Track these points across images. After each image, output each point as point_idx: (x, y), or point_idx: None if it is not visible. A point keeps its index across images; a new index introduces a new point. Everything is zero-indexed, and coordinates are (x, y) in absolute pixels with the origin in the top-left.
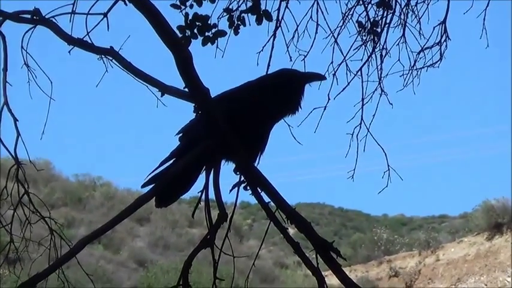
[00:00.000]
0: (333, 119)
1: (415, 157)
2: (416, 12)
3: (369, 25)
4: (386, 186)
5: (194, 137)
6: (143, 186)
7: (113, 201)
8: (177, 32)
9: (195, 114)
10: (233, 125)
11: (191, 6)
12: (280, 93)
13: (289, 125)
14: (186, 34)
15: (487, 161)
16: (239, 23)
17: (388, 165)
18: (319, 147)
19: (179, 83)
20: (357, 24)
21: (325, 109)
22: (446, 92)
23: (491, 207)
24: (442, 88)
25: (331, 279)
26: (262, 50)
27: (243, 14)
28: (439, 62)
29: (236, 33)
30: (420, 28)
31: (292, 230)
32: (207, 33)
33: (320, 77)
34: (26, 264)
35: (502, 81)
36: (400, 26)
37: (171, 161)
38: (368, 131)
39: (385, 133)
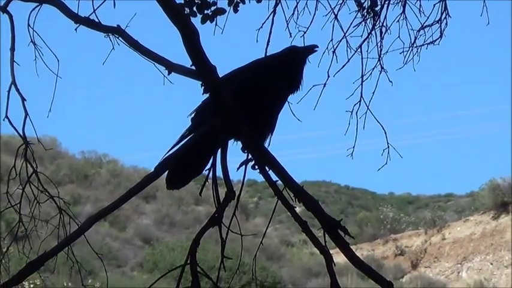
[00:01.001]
0: (335, 95)
1: (422, 135)
2: None
3: (368, 3)
4: (386, 163)
5: (205, 117)
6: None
7: (119, 179)
8: None
9: (203, 93)
10: (241, 104)
11: None
12: (290, 71)
13: (288, 102)
14: (185, 12)
15: (494, 140)
16: (238, 0)
17: (388, 143)
18: (323, 124)
19: (186, 61)
20: (356, 3)
21: (324, 86)
22: (448, 70)
23: (497, 186)
24: (444, 66)
25: (337, 257)
26: (261, 27)
27: None
28: (439, 40)
29: (235, 10)
30: (420, 5)
31: (299, 209)
32: (206, 11)
33: (314, 47)
34: (34, 242)
35: (505, 58)
36: (400, 3)
37: (183, 142)
38: (368, 108)
39: (388, 111)
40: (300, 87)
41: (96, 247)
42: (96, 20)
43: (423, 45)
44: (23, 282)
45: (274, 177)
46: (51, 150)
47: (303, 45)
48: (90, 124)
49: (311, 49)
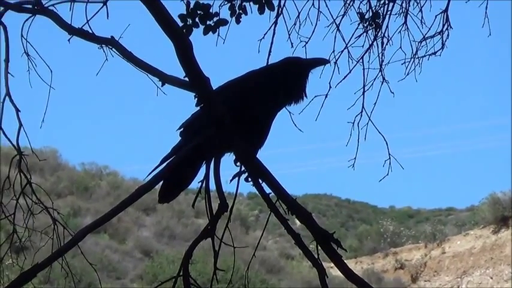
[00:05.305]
0: (336, 108)
1: (423, 149)
2: (418, 1)
3: (371, 14)
4: (387, 174)
5: (195, 131)
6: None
7: (119, 191)
8: (179, 20)
9: (196, 105)
10: (235, 115)
11: None
12: (285, 81)
13: (290, 112)
14: (188, 23)
15: (495, 154)
16: (240, 11)
17: (389, 154)
18: (324, 137)
19: (180, 72)
20: (358, 15)
21: (326, 97)
22: (451, 82)
23: (497, 200)
24: (447, 78)
25: (336, 270)
26: (263, 38)
27: (244, 3)
28: (440, 51)
29: (238, 22)
30: (422, 17)
31: (298, 222)
32: (208, 22)
33: (323, 61)
34: (32, 254)
35: (506, 70)
36: (402, 14)
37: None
38: (369, 119)
39: (389, 124)
40: (299, 98)
41: (96, 259)
42: (90, 31)
43: (425, 56)
44: None
45: (267, 189)
46: (52, 162)
47: (307, 57)
48: (90, 136)
49: (317, 61)
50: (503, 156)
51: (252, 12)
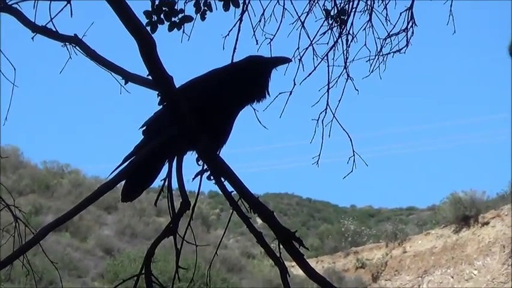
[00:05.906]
0: (300, 106)
1: (384, 148)
2: None
3: (336, 11)
4: (352, 171)
5: (158, 130)
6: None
7: (80, 189)
8: (144, 17)
9: (159, 103)
10: (198, 113)
11: None
12: (248, 80)
13: (254, 109)
14: (153, 19)
15: (456, 153)
16: (206, 8)
17: (354, 151)
18: (286, 136)
19: (143, 71)
20: (324, 12)
21: (290, 94)
22: (414, 80)
23: (458, 199)
24: (409, 77)
25: (298, 269)
26: (228, 34)
27: (209, 0)
28: (405, 48)
29: (203, 18)
30: (387, 14)
31: (260, 220)
32: (173, 19)
33: (286, 60)
34: None
35: (470, 69)
36: (367, 11)
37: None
38: (334, 115)
39: (353, 123)
40: (262, 97)
41: (57, 257)
42: (54, 29)
43: (389, 53)
44: None
45: (230, 188)
46: (14, 160)
47: (270, 56)
48: (52, 134)
49: (280, 60)
50: (464, 156)
51: (217, 9)
